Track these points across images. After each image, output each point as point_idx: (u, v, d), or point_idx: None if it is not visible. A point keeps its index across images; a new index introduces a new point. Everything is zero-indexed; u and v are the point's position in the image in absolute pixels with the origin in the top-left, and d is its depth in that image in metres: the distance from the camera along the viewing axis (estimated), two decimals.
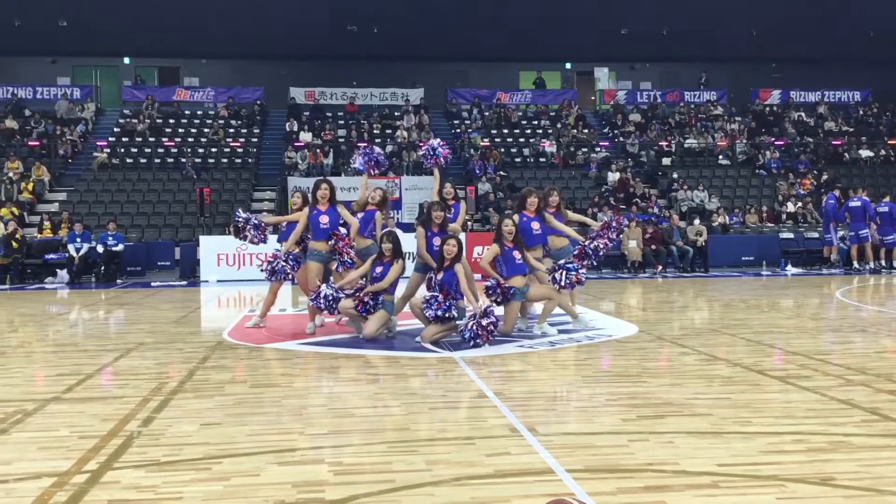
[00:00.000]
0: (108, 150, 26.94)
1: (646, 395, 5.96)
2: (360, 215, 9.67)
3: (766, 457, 4.41)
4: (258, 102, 31.15)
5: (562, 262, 9.37)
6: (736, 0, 30.24)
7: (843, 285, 15.97)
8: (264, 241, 10.40)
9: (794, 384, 6.28)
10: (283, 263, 9.65)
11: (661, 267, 19.46)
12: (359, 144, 9.47)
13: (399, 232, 10.70)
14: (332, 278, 9.68)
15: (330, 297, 8.94)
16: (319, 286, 9.13)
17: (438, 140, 10.69)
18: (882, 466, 4.22)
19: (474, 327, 8.16)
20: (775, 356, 7.71)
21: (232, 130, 29.22)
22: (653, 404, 5.67)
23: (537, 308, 10.02)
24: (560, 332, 9.23)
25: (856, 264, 19.33)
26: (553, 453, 4.45)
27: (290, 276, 9.87)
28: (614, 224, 10.21)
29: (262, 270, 10.04)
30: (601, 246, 9.92)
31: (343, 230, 9.58)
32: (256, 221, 10.19)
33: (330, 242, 9.38)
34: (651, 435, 4.87)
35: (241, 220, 10.21)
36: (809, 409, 5.47)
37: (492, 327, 8.23)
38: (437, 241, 9.01)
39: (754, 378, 6.59)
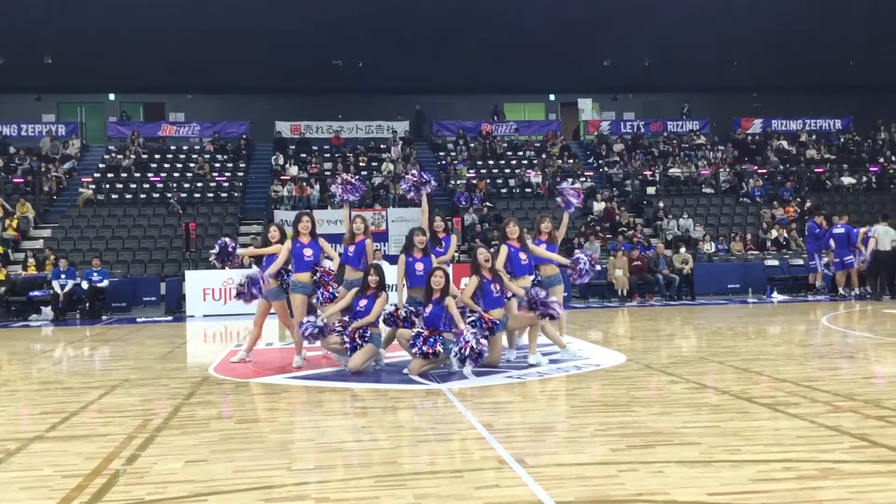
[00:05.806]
0: (94, 186, 26.88)
1: (635, 425, 5.94)
2: (351, 249, 9.59)
3: (756, 485, 4.39)
4: (244, 137, 31.18)
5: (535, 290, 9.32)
6: (716, 30, 30.62)
7: (829, 311, 16.03)
8: (225, 267, 10.55)
9: (783, 411, 6.27)
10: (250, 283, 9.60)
11: (639, 298, 19.44)
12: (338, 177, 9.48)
13: (385, 264, 10.65)
14: (318, 311, 9.62)
15: (316, 329, 8.84)
16: (309, 318, 9.05)
17: (414, 172, 10.66)
18: (872, 493, 4.20)
19: (467, 347, 8.05)
20: (763, 383, 7.70)
21: (218, 165, 29.23)
22: (642, 434, 5.65)
23: (524, 338, 10.00)
24: (549, 361, 9.20)
25: (841, 290, 19.41)
26: (543, 485, 4.41)
27: (253, 296, 9.76)
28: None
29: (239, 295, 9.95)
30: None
31: (327, 263, 9.57)
32: (233, 246, 10.54)
33: (315, 277, 9.38)
34: (641, 465, 4.84)
35: (221, 244, 10.42)
36: (798, 437, 5.46)
37: (482, 350, 8.14)
38: (419, 266, 8.97)
39: (743, 406, 6.57)
